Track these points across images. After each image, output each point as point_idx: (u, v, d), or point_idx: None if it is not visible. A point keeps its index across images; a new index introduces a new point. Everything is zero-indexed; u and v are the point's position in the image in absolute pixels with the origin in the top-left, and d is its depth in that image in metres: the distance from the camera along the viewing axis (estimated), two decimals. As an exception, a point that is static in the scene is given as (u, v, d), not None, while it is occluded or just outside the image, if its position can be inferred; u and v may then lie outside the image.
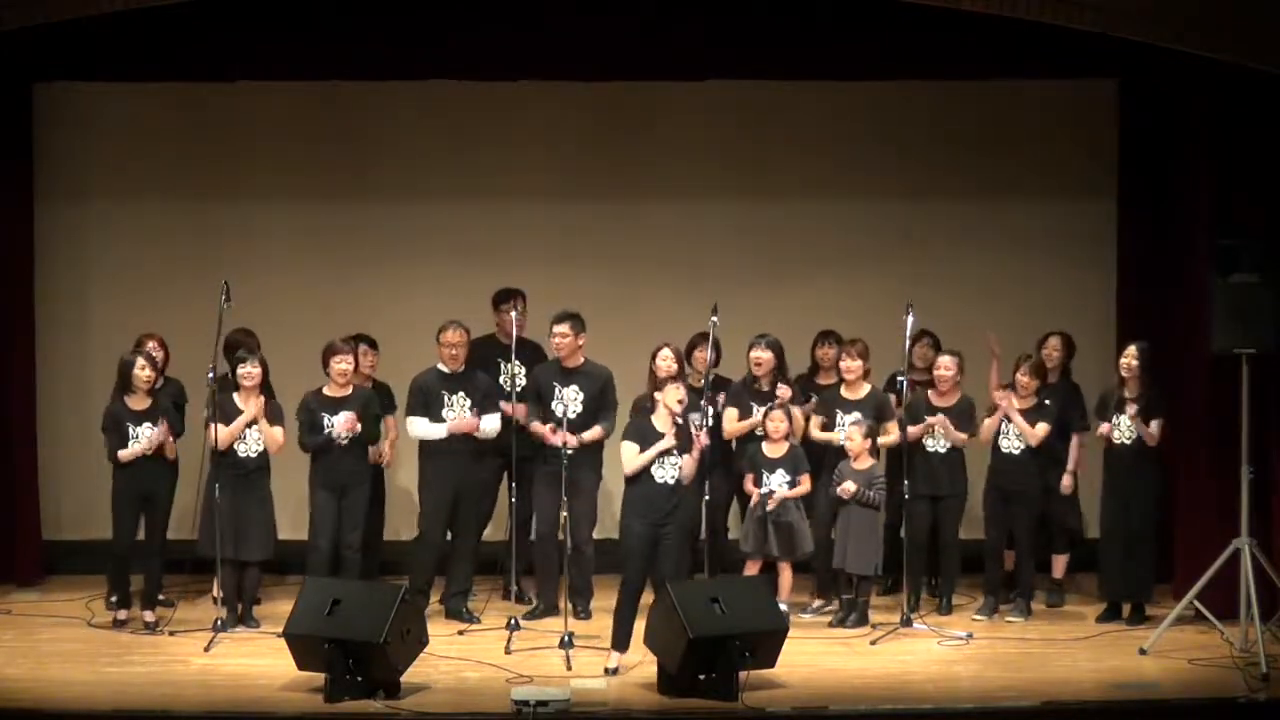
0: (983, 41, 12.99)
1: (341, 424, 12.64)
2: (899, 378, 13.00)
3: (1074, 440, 13.17)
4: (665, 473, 11.65)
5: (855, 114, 14.29)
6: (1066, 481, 13.16)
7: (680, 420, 11.79)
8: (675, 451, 11.67)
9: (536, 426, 12.81)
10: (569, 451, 12.34)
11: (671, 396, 11.75)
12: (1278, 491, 12.55)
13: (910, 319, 12.71)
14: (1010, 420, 12.81)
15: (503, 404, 12.94)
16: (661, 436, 11.70)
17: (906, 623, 12.64)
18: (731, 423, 12.98)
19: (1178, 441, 12.90)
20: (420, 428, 12.87)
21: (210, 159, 14.25)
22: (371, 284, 14.20)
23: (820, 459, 12.93)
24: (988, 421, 12.92)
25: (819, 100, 14.19)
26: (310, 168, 14.28)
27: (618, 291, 14.22)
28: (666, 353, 12.83)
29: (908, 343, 12.81)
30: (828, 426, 12.99)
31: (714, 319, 12.64)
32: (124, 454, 12.54)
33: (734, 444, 13.05)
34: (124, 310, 13.94)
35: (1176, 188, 13.34)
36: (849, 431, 12.75)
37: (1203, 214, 12.87)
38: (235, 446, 12.55)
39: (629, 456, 11.70)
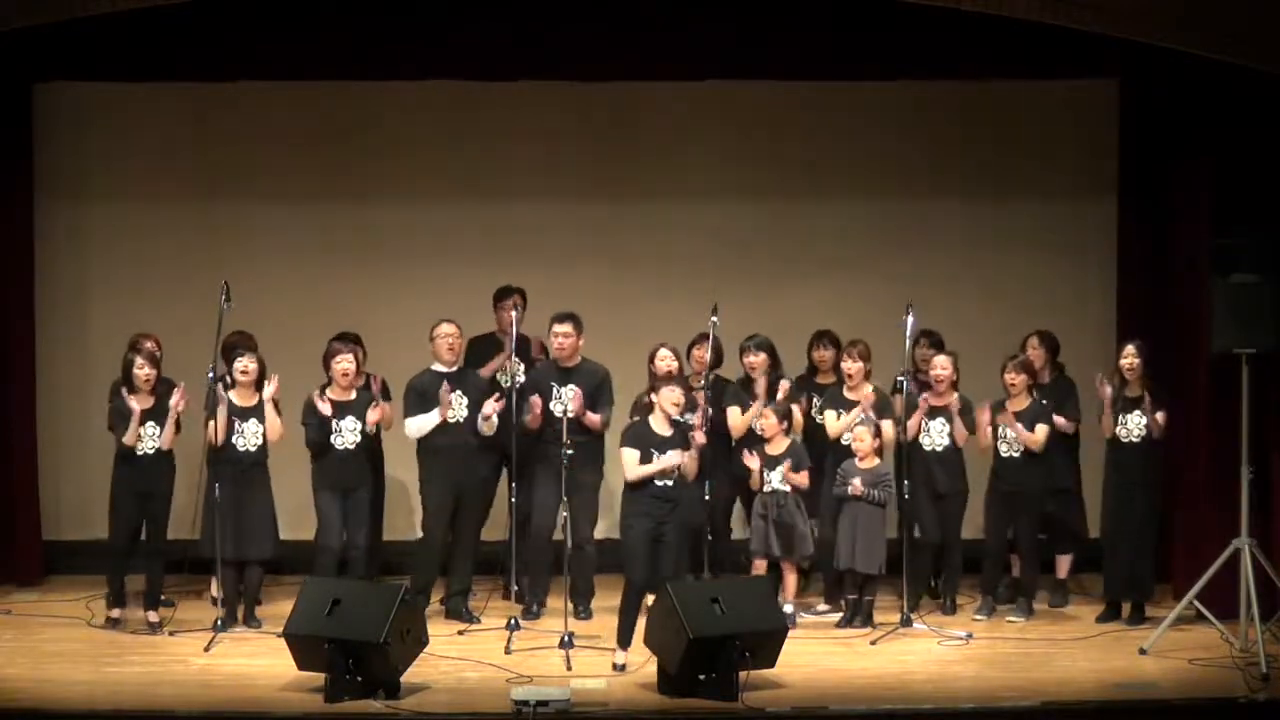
0: (983, 42, 12.99)
1: (371, 420, 12.76)
2: (899, 378, 12.99)
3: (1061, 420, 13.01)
4: (663, 476, 11.70)
5: (855, 114, 14.28)
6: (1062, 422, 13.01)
7: (680, 419, 11.83)
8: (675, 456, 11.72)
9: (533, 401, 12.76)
10: (569, 451, 12.35)
11: (667, 398, 11.80)
12: (1278, 491, 12.56)
13: (910, 319, 12.72)
14: (1011, 428, 12.78)
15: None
16: (659, 438, 11.75)
17: (906, 623, 12.64)
18: (736, 418, 12.97)
19: (1179, 440, 12.89)
20: (415, 423, 12.87)
21: (210, 159, 14.24)
22: (371, 284, 14.20)
23: (823, 459, 12.95)
24: (982, 419, 12.91)
25: (819, 100, 14.19)
26: (310, 168, 14.27)
27: (617, 291, 14.22)
28: (665, 353, 12.85)
29: (908, 343, 12.81)
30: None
31: (714, 319, 12.66)
32: (129, 437, 12.45)
33: (734, 444, 13.04)
34: (124, 310, 13.92)
35: (1176, 187, 13.34)
36: (858, 433, 12.76)
37: (1203, 214, 12.88)
38: (234, 441, 12.55)
39: (629, 464, 11.76)
